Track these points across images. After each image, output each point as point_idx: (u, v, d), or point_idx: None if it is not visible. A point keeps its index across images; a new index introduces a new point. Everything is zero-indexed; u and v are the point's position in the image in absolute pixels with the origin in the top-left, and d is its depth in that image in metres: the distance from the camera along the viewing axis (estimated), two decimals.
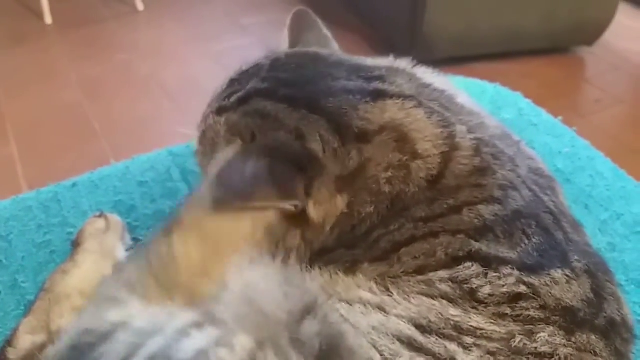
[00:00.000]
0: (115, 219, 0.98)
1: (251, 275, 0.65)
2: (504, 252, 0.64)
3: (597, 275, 0.66)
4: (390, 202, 0.69)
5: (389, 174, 0.69)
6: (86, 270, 0.88)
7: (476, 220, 0.66)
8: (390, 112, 0.71)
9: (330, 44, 0.91)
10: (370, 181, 0.69)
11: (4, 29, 2.99)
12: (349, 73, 0.76)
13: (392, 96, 0.73)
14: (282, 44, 0.91)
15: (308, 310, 0.59)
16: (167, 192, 1.12)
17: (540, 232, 0.66)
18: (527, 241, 0.65)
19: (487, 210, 0.66)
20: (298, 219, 0.71)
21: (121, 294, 0.68)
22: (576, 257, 0.66)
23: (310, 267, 0.69)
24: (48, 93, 2.50)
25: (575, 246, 0.67)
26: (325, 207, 0.70)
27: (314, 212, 0.70)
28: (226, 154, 0.71)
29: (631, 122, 1.84)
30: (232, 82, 0.80)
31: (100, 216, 0.97)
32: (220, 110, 0.77)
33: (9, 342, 0.80)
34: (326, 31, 0.92)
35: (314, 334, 0.57)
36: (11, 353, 0.79)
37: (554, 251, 0.65)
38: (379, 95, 0.72)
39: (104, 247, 0.92)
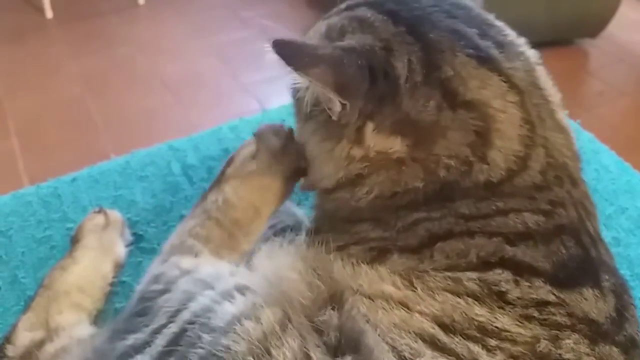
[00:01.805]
0: (115, 214, 0.98)
1: (278, 263, 0.66)
2: (539, 260, 0.62)
3: (622, 296, 0.65)
4: (440, 187, 0.66)
5: (451, 162, 0.65)
6: (85, 266, 0.88)
7: (520, 225, 0.64)
8: (490, 92, 0.66)
9: None
10: (431, 158, 0.66)
11: (4, 24, 2.98)
12: (468, 18, 0.71)
13: (501, 73, 0.67)
14: None
15: (331, 302, 0.59)
16: (167, 187, 1.11)
17: (578, 248, 0.65)
18: (564, 251, 0.63)
19: (532, 219, 0.65)
20: (349, 139, 0.69)
21: (188, 240, 0.77)
22: (606, 277, 0.65)
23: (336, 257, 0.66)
24: (49, 88, 2.49)
25: (606, 267, 0.66)
26: (385, 140, 0.68)
27: (372, 135, 0.68)
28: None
29: (635, 114, 1.83)
30: None
31: (99, 212, 0.97)
32: (328, 16, 0.76)
33: (7, 339, 0.80)
34: None
35: (334, 326, 0.56)
36: (10, 350, 0.78)
37: (588, 267, 0.64)
38: (487, 61, 0.67)
39: (103, 243, 0.92)
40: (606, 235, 1.00)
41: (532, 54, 0.73)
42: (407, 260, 0.65)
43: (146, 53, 2.72)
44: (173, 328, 0.60)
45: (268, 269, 0.65)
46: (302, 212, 0.98)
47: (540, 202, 0.66)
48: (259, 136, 0.85)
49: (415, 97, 0.65)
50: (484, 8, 0.77)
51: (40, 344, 0.77)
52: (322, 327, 0.56)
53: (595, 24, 2.20)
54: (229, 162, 0.86)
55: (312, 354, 0.54)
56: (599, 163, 1.16)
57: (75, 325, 0.81)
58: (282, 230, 0.87)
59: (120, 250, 0.93)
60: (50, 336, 0.78)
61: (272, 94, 2.31)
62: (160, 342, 0.60)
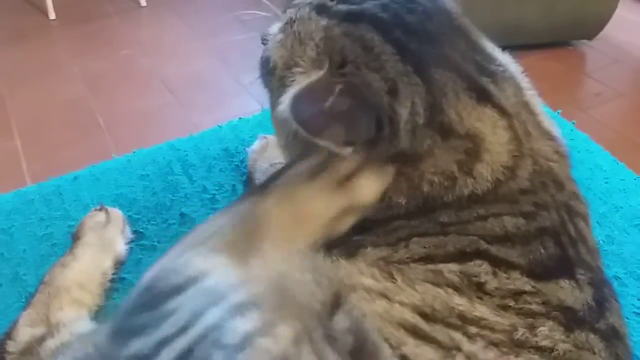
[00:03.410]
0: (116, 212, 0.99)
1: (285, 266, 0.64)
2: (514, 257, 0.64)
3: (601, 289, 0.66)
4: (422, 201, 0.67)
5: (435, 178, 0.67)
6: (85, 263, 0.89)
7: (497, 229, 0.66)
8: (483, 124, 0.67)
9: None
10: (416, 174, 0.67)
11: (7, 25, 2.99)
12: (467, 49, 0.70)
13: (494, 106, 0.68)
14: None
15: (337, 301, 0.59)
16: (167, 185, 1.13)
17: (556, 247, 0.66)
18: (542, 251, 0.65)
19: (511, 222, 0.66)
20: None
21: (213, 242, 0.67)
22: (581, 272, 0.65)
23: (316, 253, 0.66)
24: (51, 88, 2.50)
25: (584, 264, 0.67)
26: (381, 176, 0.68)
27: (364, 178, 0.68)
28: (310, 78, 0.67)
29: (632, 115, 1.83)
30: None
31: (100, 209, 0.98)
32: (321, 9, 0.70)
33: (8, 335, 0.81)
34: None
35: (345, 330, 0.56)
36: (10, 346, 0.79)
37: (563, 264, 0.65)
38: (484, 99, 0.68)
39: (104, 241, 0.93)
40: (600, 233, 1.02)
41: (514, 68, 0.75)
42: (379, 251, 0.66)
43: (148, 54, 2.73)
44: (181, 344, 0.57)
45: (276, 273, 0.63)
46: None
47: (522, 204, 0.67)
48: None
49: (415, 137, 0.66)
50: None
51: (40, 340, 0.78)
52: (336, 335, 0.56)
53: (592, 26, 2.20)
54: (283, 170, 0.75)
55: None
56: (593, 162, 1.17)
57: (75, 321, 0.81)
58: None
59: (121, 247, 0.95)
60: (51, 332, 0.79)
61: None
62: (167, 357, 0.56)
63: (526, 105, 0.72)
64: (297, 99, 0.64)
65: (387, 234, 0.68)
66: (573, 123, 1.28)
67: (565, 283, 0.63)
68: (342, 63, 0.66)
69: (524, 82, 0.74)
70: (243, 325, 0.55)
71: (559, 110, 1.30)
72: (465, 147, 0.67)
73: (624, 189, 1.12)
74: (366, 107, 0.64)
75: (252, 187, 0.75)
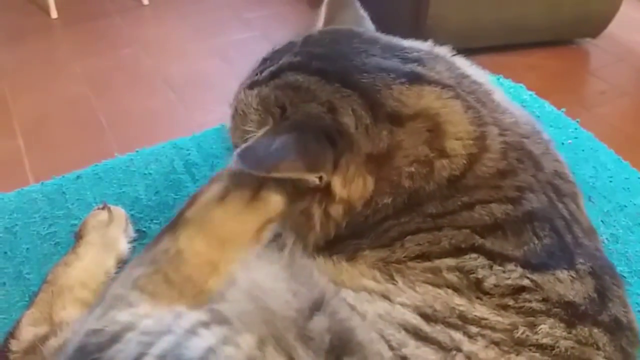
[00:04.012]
0: (119, 210, 0.99)
1: (258, 274, 0.64)
2: (509, 250, 0.64)
3: (603, 277, 0.66)
4: (407, 196, 0.69)
5: (413, 169, 0.68)
6: (88, 262, 0.89)
7: (487, 218, 0.66)
8: (427, 99, 0.70)
9: (365, 24, 0.88)
10: (394, 172, 0.69)
11: (10, 24, 3.00)
12: (384, 51, 0.75)
13: (430, 82, 0.71)
14: (317, 22, 0.89)
15: (317, 306, 0.59)
16: (170, 184, 1.13)
17: (552, 235, 0.66)
18: (536, 241, 0.65)
19: (499, 209, 0.66)
20: (321, 199, 0.71)
21: (130, 293, 0.66)
22: (581, 260, 0.66)
23: (317, 256, 0.69)
24: (54, 87, 2.51)
25: (583, 249, 0.67)
26: (353, 185, 0.70)
27: (340, 188, 0.70)
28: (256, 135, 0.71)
29: (635, 113, 1.83)
30: (264, 60, 0.79)
31: (103, 208, 0.97)
32: (252, 85, 0.76)
33: (11, 334, 0.81)
34: (362, 12, 0.89)
35: (324, 330, 0.57)
36: (14, 344, 0.79)
37: (562, 253, 0.65)
38: (416, 79, 0.71)
39: (106, 239, 0.93)
40: (604, 232, 1.02)
41: (443, 50, 0.79)
42: (377, 253, 0.68)
43: (150, 53, 2.73)
44: None
45: (249, 281, 0.64)
46: None
47: (506, 189, 0.68)
48: (232, 173, 0.76)
49: (371, 136, 0.69)
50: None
51: (43, 339, 0.77)
52: (312, 335, 0.57)
53: (596, 24, 2.20)
54: (191, 202, 0.77)
55: None
56: (597, 161, 1.17)
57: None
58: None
59: (123, 246, 0.94)
60: (54, 331, 0.78)
61: None
62: None
63: (467, 77, 0.75)
64: (245, 151, 0.67)
65: (381, 235, 0.69)
66: (577, 121, 1.27)
67: (563, 275, 0.63)
68: (282, 111, 0.71)
69: (459, 60, 0.78)
70: (202, 342, 0.56)
71: (563, 109, 1.30)
72: (424, 126, 0.69)
73: (628, 188, 1.12)
74: (312, 132, 0.68)
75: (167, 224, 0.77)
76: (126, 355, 0.57)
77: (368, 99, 0.69)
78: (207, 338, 0.56)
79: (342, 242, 0.72)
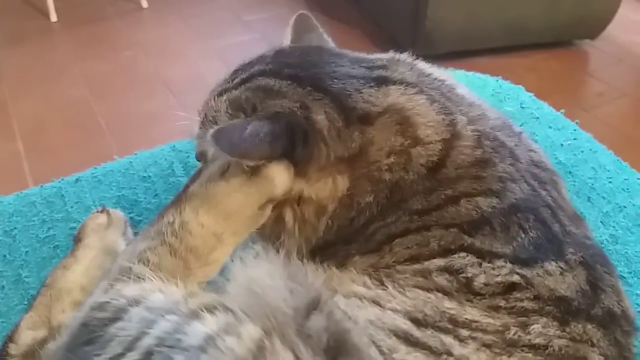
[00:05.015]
0: (118, 213, 0.98)
1: (256, 271, 0.65)
2: (498, 247, 0.65)
3: (594, 267, 0.66)
4: (389, 191, 0.69)
5: (391, 159, 0.69)
6: (87, 265, 0.89)
7: (474, 212, 0.66)
8: (393, 96, 0.72)
9: (331, 44, 0.92)
10: (372, 168, 0.70)
11: (9, 27, 3.00)
12: (352, 62, 0.78)
13: (394, 82, 0.74)
14: (284, 42, 0.91)
15: (314, 305, 0.59)
16: (169, 187, 1.13)
17: (538, 226, 0.66)
18: (523, 235, 0.65)
19: (485, 203, 0.67)
20: (291, 201, 0.72)
21: (136, 266, 0.67)
22: (571, 250, 0.66)
23: (307, 262, 0.69)
24: (53, 90, 2.51)
25: (572, 238, 0.67)
26: (320, 185, 0.71)
27: (310, 189, 0.71)
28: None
29: (634, 114, 1.83)
30: (236, 71, 0.81)
31: (102, 211, 0.97)
32: (221, 92, 0.77)
33: (10, 338, 0.81)
34: (326, 36, 0.93)
35: (322, 329, 0.57)
36: (12, 348, 0.79)
37: (550, 244, 0.66)
38: (382, 81, 0.74)
39: (105, 243, 0.92)
40: (604, 233, 1.02)
41: (404, 56, 0.83)
42: (367, 259, 0.68)
43: (149, 56, 2.73)
44: (134, 356, 0.56)
45: (247, 277, 0.64)
46: None
47: (489, 181, 0.68)
48: None
49: (343, 139, 0.70)
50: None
51: (42, 343, 0.77)
52: (310, 333, 0.57)
53: (595, 25, 2.20)
54: (195, 177, 0.78)
55: None
56: (596, 162, 1.17)
57: None
58: None
59: (123, 249, 0.94)
60: (53, 335, 0.78)
61: None
62: None
63: (428, 75, 0.78)
64: (219, 132, 0.68)
65: (369, 239, 0.70)
66: (576, 123, 1.27)
67: (552, 266, 0.64)
68: (253, 109, 0.73)
69: (420, 62, 0.82)
70: (203, 327, 0.55)
71: (562, 110, 1.30)
72: (393, 120, 0.71)
73: (627, 189, 1.12)
74: (285, 124, 0.70)
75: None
76: (127, 334, 0.58)
77: (339, 103, 0.72)
78: (209, 323, 0.56)
79: (331, 249, 0.72)
